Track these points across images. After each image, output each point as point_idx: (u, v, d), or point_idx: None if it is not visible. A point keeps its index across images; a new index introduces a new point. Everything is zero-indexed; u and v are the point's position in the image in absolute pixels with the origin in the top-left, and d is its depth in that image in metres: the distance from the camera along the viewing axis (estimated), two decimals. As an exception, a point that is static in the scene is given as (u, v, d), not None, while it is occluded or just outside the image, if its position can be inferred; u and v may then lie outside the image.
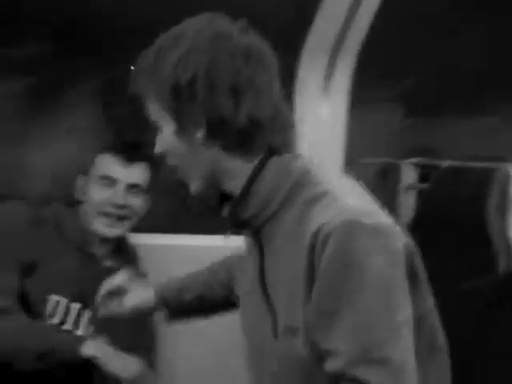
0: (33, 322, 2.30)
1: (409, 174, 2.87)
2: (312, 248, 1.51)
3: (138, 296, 2.09)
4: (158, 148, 1.72)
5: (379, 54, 3.04)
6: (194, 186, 1.69)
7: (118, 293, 2.09)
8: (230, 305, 2.01)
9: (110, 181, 2.43)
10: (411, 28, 3.40)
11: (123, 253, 2.55)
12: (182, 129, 1.63)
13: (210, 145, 1.62)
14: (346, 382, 1.49)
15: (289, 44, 2.86)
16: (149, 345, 2.59)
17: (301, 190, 1.61)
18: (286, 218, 1.61)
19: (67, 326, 2.39)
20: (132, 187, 2.45)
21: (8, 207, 2.49)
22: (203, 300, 2.09)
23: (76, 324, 2.41)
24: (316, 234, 1.50)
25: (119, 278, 2.10)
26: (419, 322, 1.58)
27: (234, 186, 1.65)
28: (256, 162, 1.63)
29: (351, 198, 1.56)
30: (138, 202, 2.46)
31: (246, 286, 1.77)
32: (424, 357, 1.59)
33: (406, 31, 3.36)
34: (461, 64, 3.59)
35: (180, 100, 1.61)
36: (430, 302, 1.66)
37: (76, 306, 2.40)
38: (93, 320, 2.41)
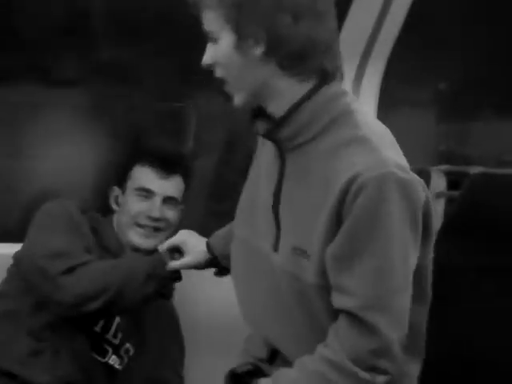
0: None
1: (438, 181, 2.83)
2: (345, 192, 1.62)
3: (194, 253, 2.21)
4: (209, 59, 1.76)
5: (412, 56, 3.01)
6: (239, 99, 1.76)
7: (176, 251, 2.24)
8: None
9: (146, 193, 2.45)
10: (445, 30, 3.36)
11: None
12: (242, 41, 1.70)
13: (265, 60, 1.70)
14: (354, 321, 1.63)
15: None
16: (176, 354, 2.60)
17: (338, 127, 1.70)
18: (317, 149, 1.71)
19: (96, 329, 2.39)
20: (168, 200, 2.46)
21: (65, 202, 2.48)
22: None
23: (105, 329, 2.41)
24: (351, 181, 1.61)
25: (177, 238, 2.25)
26: (421, 271, 1.73)
27: (277, 105, 1.74)
28: (306, 85, 1.71)
29: (386, 150, 1.66)
30: (173, 215, 2.47)
31: (254, 199, 1.87)
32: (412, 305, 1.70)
33: (440, 33, 3.33)
34: (495, 66, 3.56)
35: (244, 12, 1.68)
36: (431, 254, 1.78)
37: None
38: (121, 327, 2.43)
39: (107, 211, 2.55)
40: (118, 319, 2.42)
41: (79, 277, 2.23)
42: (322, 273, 1.68)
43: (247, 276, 1.88)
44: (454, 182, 2.83)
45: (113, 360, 2.41)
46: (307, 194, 1.72)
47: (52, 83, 3.01)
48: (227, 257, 2.04)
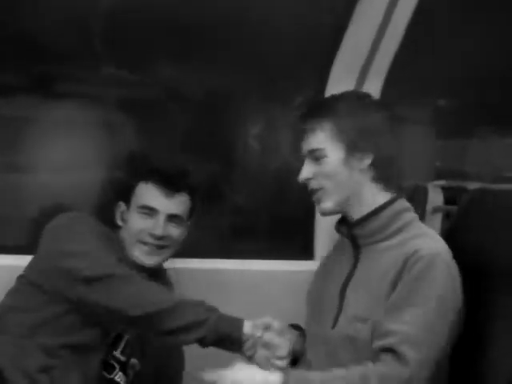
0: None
1: (436, 197, 2.86)
2: (405, 262, 2.10)
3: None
4: (309, 174, 2.24)
5: (410, 73, 3.03)
6: (329, 205, 2.25)
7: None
8: None
9: (149, 210, 2.43)
10: (444, 47, 3.38)
11: (158, 277, 2.52)
12: (352, 157, 2.21)
13: (365, 173, 2.23)
14: (391, 355, 2.03)
15: (317, 65, 2.88)
16: (176, 366, 2.61)
17: (406, 231, 2.21)
18: (388, 245, 2.20)
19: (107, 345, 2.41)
20: (172, 217, 2.44)
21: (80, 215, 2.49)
22: None
23: (114, 346, 2.43)
24: (411, 255, 2.11)
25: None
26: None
27: (358, 210, 2.24)
28: (385, 195, 2.24)
29: (439, 242, 2.19)
30: (177, 232, 2.46)
31: (322, 295, 2.31)
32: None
33: (437, 50, 3.35)
34: (493, 82, 3.57)
35: (358, 133, 2.20)
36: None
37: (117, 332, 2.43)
38: (129, 343, 2.45)
39: (113, 226, 2.53)
40: (127, 337, 2.44)
41: (139, 287, 2.21)
42: (375, 328, 2.10)
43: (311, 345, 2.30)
44: (451, 197, 2.85)
45: (119, 377, 2.42)
46: (375, 278, 2.16)
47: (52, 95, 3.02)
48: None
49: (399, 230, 2.22)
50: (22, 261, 2.46)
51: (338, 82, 2.77)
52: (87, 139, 3.04)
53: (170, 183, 2.44)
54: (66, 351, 2.30)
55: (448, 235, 2.34)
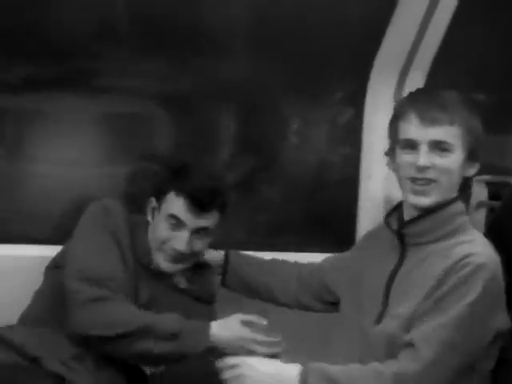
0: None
1: (480, 191, 2.84)
2: (452, 267, 2.07)
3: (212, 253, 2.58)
4: (428, 163, 2.15)
5: (452, 67, 3.01)
6: (434, 200, 2.17)
7: None
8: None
9: (177, 221, 2.40)
10: (484, 41, 3.36)
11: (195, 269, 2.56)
12: (467, 162, 2.20)
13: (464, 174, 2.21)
14: (411, 350, 2.04)
15: (359, 59, 2.87)
16: None
17: (458, 235, 2.18)
18: (437, 248, 2.17)
19: None
20: (198, 231, 2.42)
21: (109, 204, 2.50)
22: (267, 290, 2.57)
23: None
24: (460, 260, 2.08)
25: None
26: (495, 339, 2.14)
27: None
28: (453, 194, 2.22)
29: (487, 248, 2.15)
30: (201, 245, 2.45)
31: (361, 285, 2.31)
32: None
33: (478, 44, 3.33)
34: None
35: (478, 148, 2.20)
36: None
37: None
38: None
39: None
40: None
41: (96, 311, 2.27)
42: (408, 327, 2.10)
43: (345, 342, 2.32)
44: (495, 192, 2.84)
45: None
46: (421, 279, 2.14)
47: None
48: (237, 284, 2.59)
49: (451, 234, 2.19)
50: (51, 251, 2.51)
51: (380, 77, 2.77)
52: (124, 133, 3.05)
53: (201, 203, 2.39)
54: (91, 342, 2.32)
55: (491, 230, 2.33)
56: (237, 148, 3.17)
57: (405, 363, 2.04)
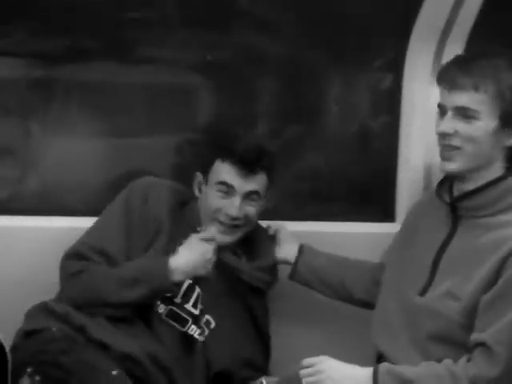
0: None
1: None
2: (510, 253, 2.02)
3: (287, 248, 2.57)
4: (451, 129, 2.12)
5: (489, 37, 2.98)
6: (461, 166, 2.13)
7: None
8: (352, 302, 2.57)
9: (227, 188, 2.44)
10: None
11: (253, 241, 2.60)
12: (502, 130, 2.12)
13: (503, 151, 2.16)
14: (486, 352, 2.00)
15: (398, 29, 2.86)
16: (263, 322, 2.63)
17: None
18: (491, 222, 2.12)
19: (177, 299, 2.45)
20: (249, 195, 2.45)
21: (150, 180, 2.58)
22: (336, 289, 2.56)
23: (186, 298, 2.46)
24: None
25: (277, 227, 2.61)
26: None
27: (477, 178, 2.15)
28: (502, 167, 2.17)
29: None
30: (253, 211, 2.48)
31: (408, 251, 2.30)
32: None
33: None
34: None
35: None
36: None
37: (188, 281, 2.45)
38: (202, 298, 2.47)
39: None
40: (198, 290, 2.46)
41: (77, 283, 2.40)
42: (468, 313, 2.07)
43: (386, 308, 2.30)
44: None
45: (192, 330, 2.44)
46: (474, 254, 2.10)
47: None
48: (306, 274, 2.55)
49: (506, 209, 2.14)
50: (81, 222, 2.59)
51: (419, 45, 2.76)
52: (166, 104, 3.06)
53: (247, 165, 2.43)
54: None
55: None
56: (278, 117, 3.17)
57: (482, 366, 2.02)
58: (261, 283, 2.55)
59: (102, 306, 2.38)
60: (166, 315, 2.43)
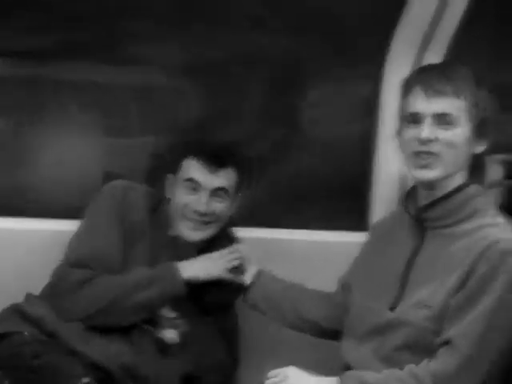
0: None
1: (495, 170, 2.82)
2: (481, 254, 2.04)
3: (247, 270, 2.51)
4: (432, 135, 2.11)
5: (471, 45, 2.98)
6: (439, 174, 2.13)
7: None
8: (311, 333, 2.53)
9: (194, 184, 2.46)
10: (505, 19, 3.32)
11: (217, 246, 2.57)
12: (474, 137, 2.14)
13: (469, 158, 2.17)
14: (450, 349, 2.01)
15: (378, 37, 2.85)
16: (233, 338, 2.63)
17: (479, 216, 2.14)
18: (458, 231, 2.13)
19: None
20: (217, 191, 2.46)
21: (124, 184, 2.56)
22: (287, 317, 2.50)
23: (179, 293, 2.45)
24: (488, 247, 2.04)
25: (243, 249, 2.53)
26: None
27: (446, 187, 2.16)
28: (464, 174, 2.19)
29: (509, 231, 2.11)
30: (221, 207, 2.48)
31: (372, 268, 2.30)
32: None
33: (497, 22, 3.29)
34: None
35: (489, 123, 2.16)
36: None
37: None
38: (177, 302, 2.46)
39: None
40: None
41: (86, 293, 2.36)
42: (439, 319, 2.07)
43: (355, 321, 2.29)
44: (510, 171, 2.81)
45: (169, 334, 2.45)
46: (443, 263, 2.11)
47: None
48: (260, 298, 2.49)
49: (471, 216, 2.15)
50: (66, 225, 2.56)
51: (398, 54, 2.76)
52: (150, 104, 3.06)
53: (214, 159, 2.45)
54: None
55: (506, 209, 2.31)
56: (259, 121, 3.17)
57: (443, 360, 2.03)
58: (219, 302, 2.56)
59: (116, 314, 2.36)
60: (142, 320, 2.42)
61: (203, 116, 3.10)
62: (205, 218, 2.46)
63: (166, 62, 3.04)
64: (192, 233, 2.47)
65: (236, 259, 2.47)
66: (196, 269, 2.41)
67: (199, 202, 2.44)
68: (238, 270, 2.49)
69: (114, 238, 2.45)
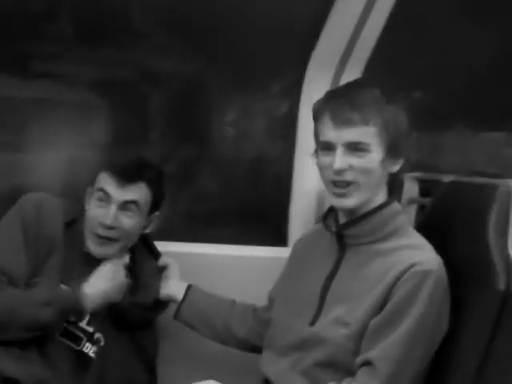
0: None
1: (411, 188, 2.87)
2: (398, 278, 2.06)
3: (174, 286, 2.53)
4: (345, 165, 2.12)
5: (388, 64, 3.03)
6: (357, 201, 2.15)
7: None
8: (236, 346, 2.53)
9: (105, 195, 2.42)
10: (422, 39, 3.39)
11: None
12: (388, 159, 2.15)
13: (386, 177, 2.18)
14: (370, 369, 2.03)
15: (295, 55, 2.87)
16: (150, 351, 2.60)
17: (398, 236, 2.17)
18: (378, 249, 2.15)
19: (71, 318, 2.40)
20: (127, 205, 2.42)
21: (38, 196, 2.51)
22: (218, 332, 2.51)
23: (79, 317, 2.42)
24: (406, 270, 2.06)
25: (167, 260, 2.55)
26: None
27: (366, 207, 2.17)
28: (383, 197, 2.21)
29: (431, 252, 2.14)
30: (129, 223, 2.44)
31: (294, 285, 2.30)
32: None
33: (416, 42, 3.36)
34: (469, 77, 3.59)
35: (399, 137, 2.15)
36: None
37: None
38: (94, 316, 2.43)
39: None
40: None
41: None
42: (357, 338, 2.08)
43: (275, 336, 2.30)
44: (426, 189, 2.86)
45: (87, 348, 2.42)
46: (361, 281, 2.13)
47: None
48: (190, 314, 2.51)
49: (391, 234, 2.18)
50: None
51: (316, 72, 2.77)
52: (62, 120, 3.03)
53: (124, 172, 2.42)
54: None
55: (422, 227, 2.35)
56: (173, 139, 3.16)
57: (363, 381, 2.04)
58: (140, 320, 2.54)
59: (11, 328, 2.30)
60: (61, 334, 2.38)
61: (115, 133, 3.08)
62: (110, 234, 2.41)
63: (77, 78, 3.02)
64: (98, 248, 2.43)
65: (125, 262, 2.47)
66: (98, 295, 2.38)
67: (106, 214, 2.41)
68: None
69: (20, 251, 2.39)
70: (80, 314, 2.37)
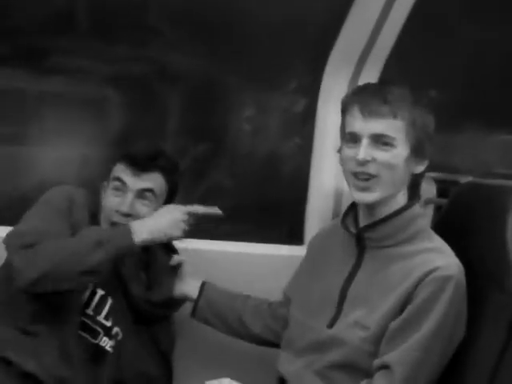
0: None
1: (428, 189, 2.86)
2: (420, 280, 2.06)
3: (189, 284, 2.53)
4: (368, 156, 2.11)
5: (406, 63, 3.03)
6: (379, 196, 2.14)
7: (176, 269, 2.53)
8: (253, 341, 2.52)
9: (121, 184, 2.44)
10: (440, 39, 3.39)
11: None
12: (413, 158, 2.15)
13: (409, 178, 2.18)
14: (387, 373, 2.03)
15: (314, 53, 2.87)
16: (166, 346, 2.61)
17: (420, 239, 2.17)
18: (398, 252, 2.15)
19: (89, 311, 2.42)
20: (143, 193, 2.44)
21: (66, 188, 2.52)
22: (234, 327, 2.51)
23: (98, 310, 2.43)
24: (428, 273, 2.06)
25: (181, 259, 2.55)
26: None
27: (388, 208, 2.18)
28: (405, 199, 2.21)
29: (452, 257, 2.13)
30: (145, 211, 2.45)
31: (312, 285, 2.30)
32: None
33: (434, 42, 3.36)
34: (485, 77, 3.59)
35: (426, 137, 2.15)
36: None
37: (101, 293, 2.44)
38: (113, 310, 2.45)
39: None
40: (110, 302, 2.45)
41: (33, 256, 2.26)
42: (376, 341, 2.08)
43: (294, 343, 2.29)
44: (443, 189, 2.85)
45: (104, 342, 2.43)
46: (381, 284, 2.13)
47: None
48: (206, 312, 2.51)
49: (411, 238, 2.18)
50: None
51: (335, 69, 2.76)
52: (77, 115, 3.04)
53: (140, 163, 2.44)
54: (41, 326, 2.34)
55: (438, 228, 2.35)
56: (190, 135, 3.17)
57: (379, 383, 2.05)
58: (154, 317, 2.55)
59: (68, 275, 2.27)
60: (79, 327, 2.39)
61: (132, 129, 3.09)
62: (127, 222, 2.40)
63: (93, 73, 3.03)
64: None
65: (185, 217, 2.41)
66: (149, 230, 2.34)
67: (123, 202, 2.42)
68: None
69: (64, 225, 2.39)
70: (131, 248, 2.33)
